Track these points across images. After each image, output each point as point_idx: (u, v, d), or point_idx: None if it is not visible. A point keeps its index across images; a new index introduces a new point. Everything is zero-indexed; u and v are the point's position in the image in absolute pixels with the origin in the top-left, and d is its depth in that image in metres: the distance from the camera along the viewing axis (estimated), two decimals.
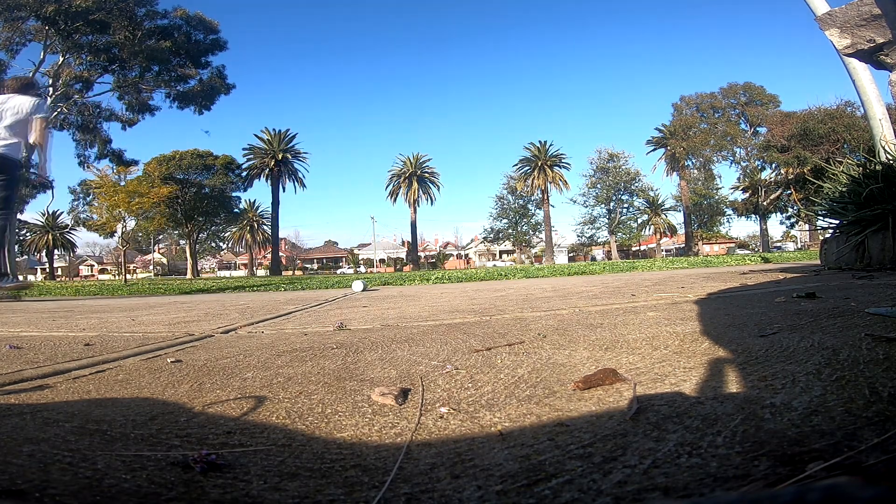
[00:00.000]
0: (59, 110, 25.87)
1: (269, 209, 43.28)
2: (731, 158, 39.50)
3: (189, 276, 36.24)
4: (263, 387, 0.98)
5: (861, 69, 5.10)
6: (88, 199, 33.34)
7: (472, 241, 61.09)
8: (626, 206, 43.61)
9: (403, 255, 55.93)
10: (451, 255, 60.74)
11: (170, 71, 26.93)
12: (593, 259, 50.61)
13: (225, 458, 0.60)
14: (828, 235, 4.46)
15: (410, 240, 48.44)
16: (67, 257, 51.33)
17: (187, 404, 0.87)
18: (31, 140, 4.59)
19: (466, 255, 60.80)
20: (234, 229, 52.15)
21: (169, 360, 1.30)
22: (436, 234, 69.38)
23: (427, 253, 58.85)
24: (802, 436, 0.56)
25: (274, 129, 42.39)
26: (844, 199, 3.97)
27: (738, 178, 39.82)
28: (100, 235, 35.83)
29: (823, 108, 31.15)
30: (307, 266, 61.64)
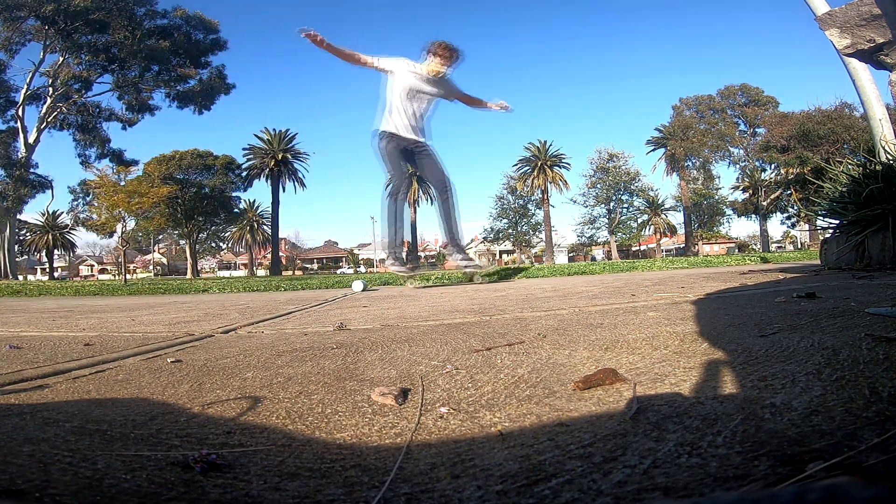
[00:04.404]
0: (58, 110, 25.88)
1: (269, 209, 43.23)
2: (730, 159, 39.62)
3: (189, 275, 36.22)
4: (263, 387, 0.98)
5: (861, 69, 5.09)
6: (88, 198, 33.37)
7: (472, 241, 61.06)
8: (626, 206, 43.60)
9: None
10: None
11: (169, 71, 27.00)
12: (593, 259, 50.55)
13: (225, 458, 0.60)
14: (828, 235, 4.46)
15: (410, 240, 48.41)
16: (67, 257, 51.29)
17: (187, 404, 0.87)
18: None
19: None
20: (234, 229, 52.12)
21: (169, 360, 1.30)
22: (436, 234, 69.35)
23: (427, 253, 58.81)
24: (802, 436, 0.56)
25: (274, 129, 42.31)
26: (844, 199, 3.96)
27: (738, 178, 39.91)
28: (98, 236, 35.90)
29: (822, 110, 31.13)
30: (307, 266, 61.59)
